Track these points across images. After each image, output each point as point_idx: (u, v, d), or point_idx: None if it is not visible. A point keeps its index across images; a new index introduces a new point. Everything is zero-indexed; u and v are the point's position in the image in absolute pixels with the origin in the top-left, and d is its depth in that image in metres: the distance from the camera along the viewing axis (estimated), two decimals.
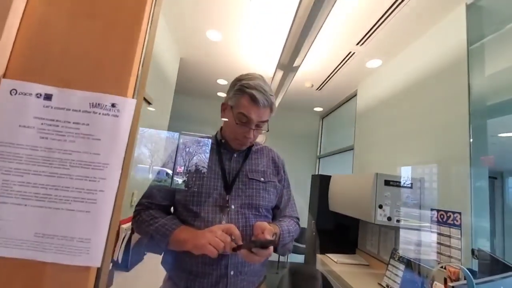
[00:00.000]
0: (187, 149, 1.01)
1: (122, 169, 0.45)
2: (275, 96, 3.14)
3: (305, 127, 4.94)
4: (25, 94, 0.44)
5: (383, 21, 2.04)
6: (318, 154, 4.86)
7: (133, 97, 0.48)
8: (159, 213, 0.91)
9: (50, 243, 0.42)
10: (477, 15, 1.74)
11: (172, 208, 0.98)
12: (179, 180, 0.95)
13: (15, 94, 0.44)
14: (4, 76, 0.45)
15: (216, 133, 1.07)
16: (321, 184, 2.71)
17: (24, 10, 0.48)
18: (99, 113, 0.45)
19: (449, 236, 1.56)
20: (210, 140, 1.04)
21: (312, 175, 3.06)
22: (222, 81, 3.65)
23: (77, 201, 0.43)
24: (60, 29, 0.49)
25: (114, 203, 0.45)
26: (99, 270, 0.45)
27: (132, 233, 1.72)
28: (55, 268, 0.43)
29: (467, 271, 1.01)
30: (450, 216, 1.59)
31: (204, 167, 0.96)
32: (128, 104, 0.46)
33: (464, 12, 1.76)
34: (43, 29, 0.48)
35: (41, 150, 0.43)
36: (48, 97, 0.45)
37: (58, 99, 0.45)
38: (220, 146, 1.01)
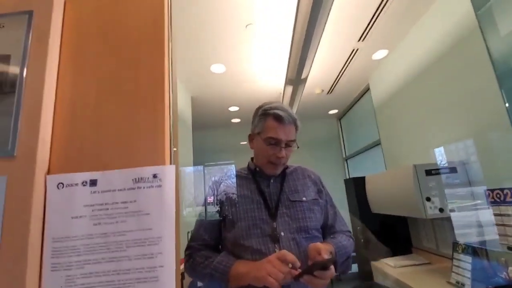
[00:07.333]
0: (222, 184, 1.03)
1: (175, 238, 0.45)
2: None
3: (324, 132, 4.86)
4: (71, 185, 0.45)
5: (379, 13, 2.01)
6: (344, 156, 4.73)
7: (170, 163, 0.48)
8: (211, 253, 0.92)
9: None
10: None
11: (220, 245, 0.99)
12: (223, 213, 0.96)
13: (62, 188, 0.45)
14: (48, 172, 0.47)
15: (248, 164, 1.08)
16: (356, 187, 2.61)
17: (55, 104, 0.51)
18: (143, 187, 0.45)
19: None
20: (233, 167, 1.08)
21: (345, 180, 2.96)
22: (234, 108, 3.71)
23: (140, 282, 0.42)
24: (90, 113, 0.51)
25: (175, 275, 0.43)
26: None
27: (182, 278, 1.71)
28: None
29: None
30: (507, 193, 1.46)
31: (246, 198, 0.97)
32: (168, 172, 0.46)
33: None
34: (75, 118, 0.50)
35: (96, 237, 0.43)
36: (93, 182, 0.45)
37: (103, 182, 0.45)
38: (255, 175, 1.02)
